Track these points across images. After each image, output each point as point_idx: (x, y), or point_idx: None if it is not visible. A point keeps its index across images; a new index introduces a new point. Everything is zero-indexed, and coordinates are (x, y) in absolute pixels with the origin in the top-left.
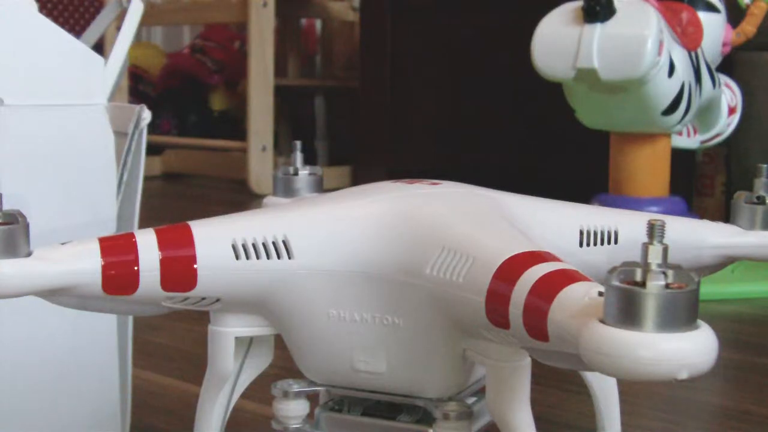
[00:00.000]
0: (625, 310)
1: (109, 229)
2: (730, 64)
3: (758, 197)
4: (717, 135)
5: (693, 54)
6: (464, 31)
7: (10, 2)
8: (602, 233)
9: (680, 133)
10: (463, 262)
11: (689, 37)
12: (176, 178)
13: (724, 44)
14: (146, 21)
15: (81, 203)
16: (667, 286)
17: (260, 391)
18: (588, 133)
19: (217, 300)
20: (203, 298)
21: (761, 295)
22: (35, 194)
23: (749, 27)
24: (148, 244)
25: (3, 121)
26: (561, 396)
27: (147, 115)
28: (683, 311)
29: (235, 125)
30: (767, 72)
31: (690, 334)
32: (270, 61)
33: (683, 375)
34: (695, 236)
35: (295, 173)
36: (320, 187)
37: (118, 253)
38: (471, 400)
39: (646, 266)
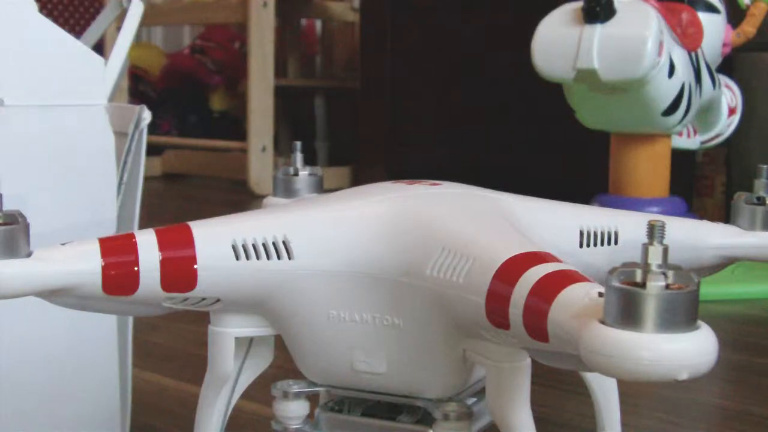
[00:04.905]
0: (626, 310)
1: (109, 229)
2: (730, 65)
3: (758, 198)
4: (717, 135)
5: (693, 54)
6: (464, 30)
7: (10, 2)
8: (602, 234)
9: (680, 134)
10: (463, 262)
11: (689, 38)
12: (176, 178)
13: (724, 45)
14: (146, 21)
15: (81, 203)
16: (667, 286)
17: (260, 391)
18: (588, 133)
19: (217, 300)
20: (203, 299)
21: (761, 296)
22: (35, 194)
23: (749, 27)
24: (148, 245)
25: (3, 121)
26: (561, 396)
27: (147, 116)
28: (683, 312)
29: (235, 125)
30: (767, 72)
31: (690, 335)
32: (270, 61)
33: (683, 375)
34: (695, 237)
35: (295, 174)
36: (320, 187)
37: (118, 254)
38: (471, 401)
39: (646, 267)
